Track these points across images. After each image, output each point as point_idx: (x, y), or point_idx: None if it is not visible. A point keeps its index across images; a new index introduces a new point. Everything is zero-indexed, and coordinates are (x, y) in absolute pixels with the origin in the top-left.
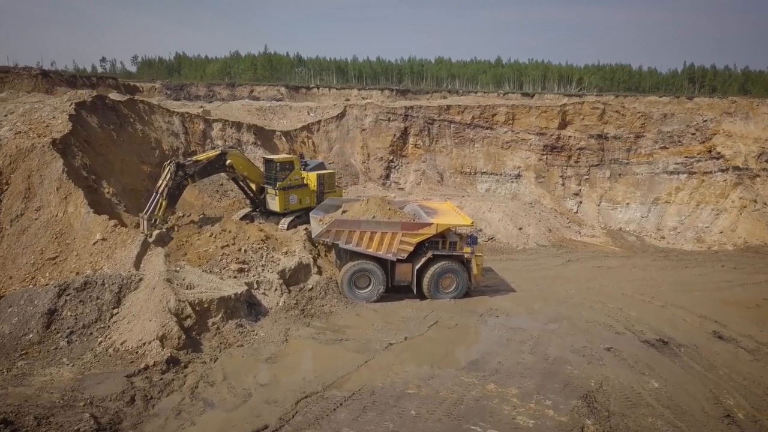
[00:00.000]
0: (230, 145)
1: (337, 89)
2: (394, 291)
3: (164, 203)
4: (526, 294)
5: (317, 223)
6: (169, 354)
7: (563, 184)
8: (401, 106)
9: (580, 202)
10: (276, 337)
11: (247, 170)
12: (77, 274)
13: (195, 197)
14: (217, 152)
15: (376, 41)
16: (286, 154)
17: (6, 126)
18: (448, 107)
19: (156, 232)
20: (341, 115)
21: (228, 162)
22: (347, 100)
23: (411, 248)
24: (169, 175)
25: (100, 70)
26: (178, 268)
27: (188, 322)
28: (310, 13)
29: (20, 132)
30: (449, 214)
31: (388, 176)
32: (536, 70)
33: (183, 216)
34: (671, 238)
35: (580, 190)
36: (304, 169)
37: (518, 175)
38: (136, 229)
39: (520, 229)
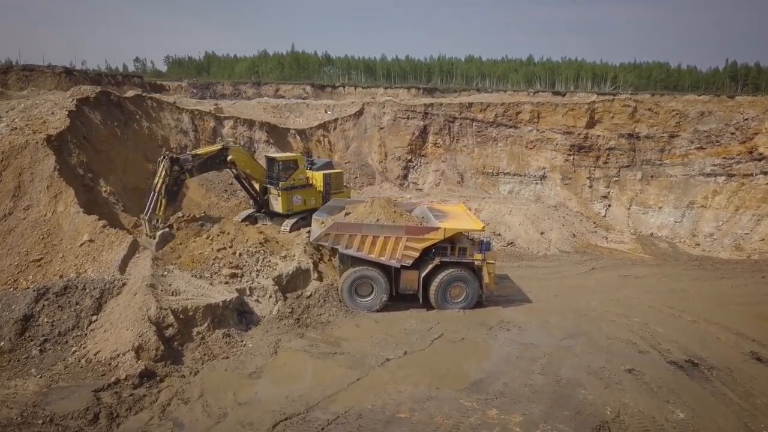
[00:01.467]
0: (232, 141)
1: (363, 88)
2: (400, 299)
3: (164, 201)
4: (543, 305)
5: (319, 226)
6: (143, 367)
7: (591, 186)
8: (421, 104)
9: (609, 206)
10: (264, 349)
11: (249, 168)
12: (60, 277)
13: (202, 197)
14: (218, 147)
15: (404, 40)
16: (290, 152)
17: (5, 122)
18: (470, 105)
19: (159, 232)
20: (359, 113)
21: (229, 158)
22: (373, 98)
23: (416, 254)
24: (164, 172)
25: (131, 69)
26: (165, 273)
27: (170, 332)
28: (339, 13)
29: (16, 128)
30: (460, 218)
31: (405, 176)
32: (569, 69)
33: (183, 216)
34: (707, 245)
35: (609, 192)
36: (310, 169)
37: (543, 177)
38: (134, 230)
39: (542, 233)
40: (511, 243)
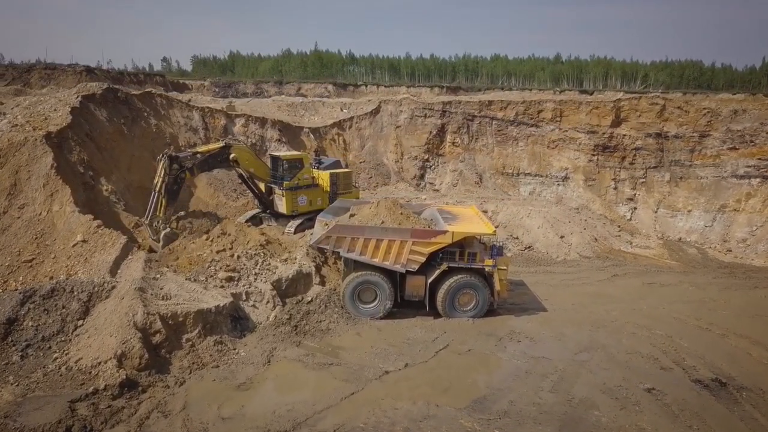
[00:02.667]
0: (236, 139)
1: (385, 86)
2: (406, 306)
3: (164, 201)
4: (559, 314)
5: (322, 228)
6: (124, 376)
7: (616, 188)
8: (439, 101)
9: (635, 209)
10: (257, 358)
11: (253, 166)
12: (51, 278)
13: (210, 196)
14: (221, 144)
15: (430, 39)
16: (298, 151)
17: (8, 118)
18: (490, 102)
19: (162, 233)
20: (375, 112)
21: (232, 156)
22: (393, 96)
23: (423, 259)
24: (163, 171)
25: (157, 68)
26: (158, 275)
27: (157, 338)
28: (363, 12)
29: (17, 125)
30: (470, 221)
31: (422, 176)
32: (597, 67)
33: (185, 215)
34: (739, 251)
35: (635, 194)
36: (317, 168)
37: (565, 177)
38: (134, 229)
39: (562, 237)
40: (529, 247)
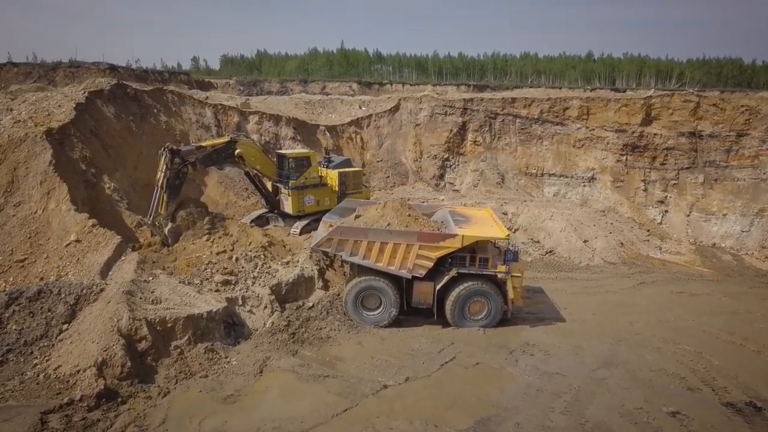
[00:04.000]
0: (242, 135)
1: (411, 85)
2: (415, 314)
3: (165, 197)
4: (578, 325)
5: (326, 230)
6: (103, 386)
7: (645, 190)
8: (460, 99)
9: (666, 212)
10: (249, 368)
11: (259, 163)
12: (41, 279)
13: (220, 195)
14: (226, 139)
15: (458, 37)
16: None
17: (12, 114)
18: (513, 100)
19: (165, 229)
20: (394, 109)
21: (237, 152)
22: (413, 94)
23: (430, 264)
24: (165, 165)
25: (186, 68)
26: (150, 278)
27: (143, 345)
28: (391, 10)
29: (19, 121)
30: (483, 224)
31: (442, 176)
32: (631, 65)
33: (190, 211)
34: None
35: (666, 197)
36: (326, 167)
37: (592, 178)
38: (136, 229)
39: (585, 241)
40: (550, 251)
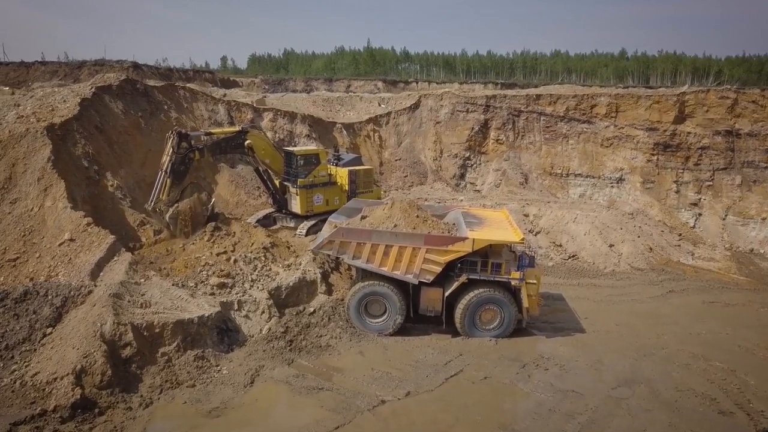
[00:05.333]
0: (254, 126)
1: (437, 83)
2: (425, 321)
3: (168, 181)
4: (598, 337)
5: (330, 231)
6: (79, 395)
7: (677, 192)
8: (482, 95)
9: (699, 215)
10: (240, 378)
11: (269, 157)
12: (31, 279)
13: (231, 193)
14: (237, 129)
15: (487, 35)
16: (312, 146)
17: (18, 109)
18: (538, 97)
19: (167, 215)
20: (414, 107)
21: (247, 142)
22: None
23: (438, 269)
24: (171, 149)
25: (213, 67)
26: (142, 280)
27: (127, 352)
28: (422, 10)
29: (22, 116)
30: (496, 227)
31: (462, 176)
32: (665, 63)
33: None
34: None
35: (700, 199)
36: (336, 164)
37: (620, 179)
38: (139, 228)
39: (611, 246)
40: (573, 256)
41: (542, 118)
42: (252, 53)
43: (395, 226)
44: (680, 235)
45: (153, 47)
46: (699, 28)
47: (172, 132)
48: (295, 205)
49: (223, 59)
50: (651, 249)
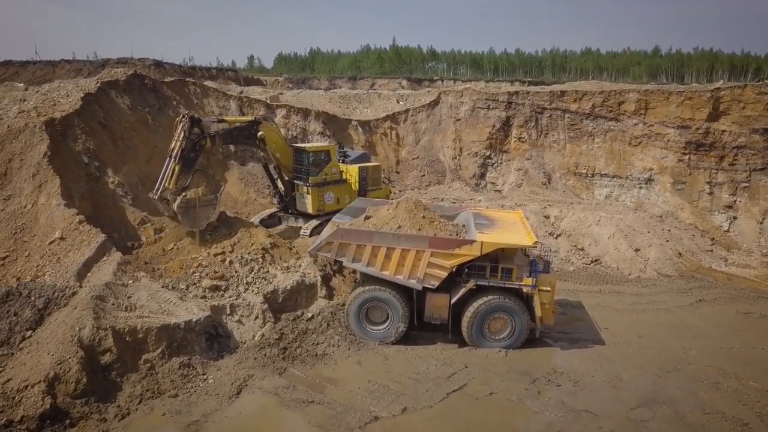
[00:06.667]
0: (267, 117)
1: (462, 81)
2: (431, 329)
3: (177, 168)
4: (619, 350)
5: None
6: (49, 405)
7: (711, 193)
8: (504, 92)
9: (734, 218)
10: (226, 388)
11: (280, 151)
12: (18, 279)
13: (240, 192)
14: (250, 118)
15: (515, 34)
16: (323, 143)
17: (22, 104)
18: (563, 93)
19: (174, 205)
20: (434, 104)
21: (260, 134)
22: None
23: (444, 274)
24: (183, 133)
25: (240, 66)
26: (130, 281)
27: (107, 358)
28: (450, 8)
29: (24, 111)
30: (508, 229)
31: (482, 175)
32: (701, 60)
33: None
34: None
35: (735, 201)
36: (343, 161)
37: (649, 180)
38: (139, 227)
39: (637, 250)
40: (596, 260)
41: (567, 116)
42: (278, 52)
43: (399, 227)
44: (713, 239)
45: (180, 47)
46: (737, 25)
47: (183, 116)
48: (306, 204)
49: (250, 58)
50: (680, 254)
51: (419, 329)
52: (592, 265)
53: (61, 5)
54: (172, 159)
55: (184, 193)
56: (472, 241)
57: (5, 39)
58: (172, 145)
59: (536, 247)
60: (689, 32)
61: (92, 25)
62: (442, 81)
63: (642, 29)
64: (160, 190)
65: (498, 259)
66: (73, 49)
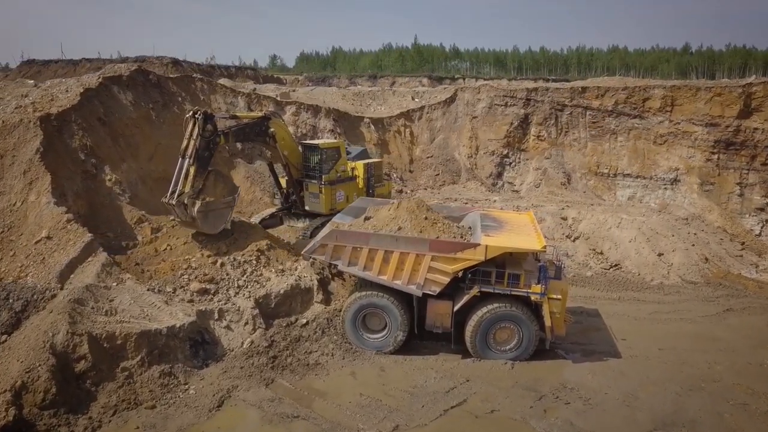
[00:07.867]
0: (276, 113)
1: (484, 79)
2: (433, 338)
3: (192, 169)
4: (636, 364)
5: None
6: (12, 417)
7: (741, 195)
8: (522, 88)
9: (766, 221)
10: (206, 400)
11: (288, 148)
12: (0, 280)
13: (246, 191)
14: (260, 114)
15: (541, 32)
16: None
17: (22, 99)
18: (584, 89)
19: (195, 208)
20: (450, 100)
21: (271, 130)
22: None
23: (446, 279)
24: (197, 130)
25: (262, 65)
26: (114, 283)
27: (81, 366)
28: (474, 6)
29: (21, 106)
30: (517, 232)
31: (499, 175)
32: (734, 57)
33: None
34: None
35: None
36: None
37: (675, 180)
38: (136, 226)
39: (660, 255)
40: (616, 265)
41: (588, 113)
42: (300, 51)
43: (399, 228)
44: (743, 244)
45: (204, 47)
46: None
47: (196, 113)
48: (317, 204)
49: (273, 58)
50: (707, 259)
51: (421, 338)
52: (611, 270)
53: (88, 5)
54: (187, 159)
55: (202, 196)
56: (475, 245)
57: (35, 40)
58: (185, 144)
59: (545, 251)
60: (721, 29)
61: (119, 26)
62: (464, 79)
63: (672, 26)
64: (177, 194)
65: (505, 264)
66: (98, 49)
